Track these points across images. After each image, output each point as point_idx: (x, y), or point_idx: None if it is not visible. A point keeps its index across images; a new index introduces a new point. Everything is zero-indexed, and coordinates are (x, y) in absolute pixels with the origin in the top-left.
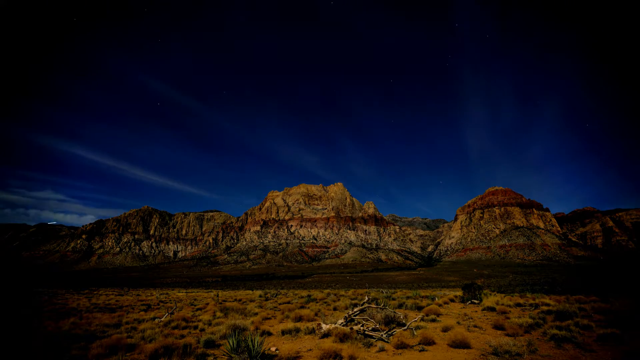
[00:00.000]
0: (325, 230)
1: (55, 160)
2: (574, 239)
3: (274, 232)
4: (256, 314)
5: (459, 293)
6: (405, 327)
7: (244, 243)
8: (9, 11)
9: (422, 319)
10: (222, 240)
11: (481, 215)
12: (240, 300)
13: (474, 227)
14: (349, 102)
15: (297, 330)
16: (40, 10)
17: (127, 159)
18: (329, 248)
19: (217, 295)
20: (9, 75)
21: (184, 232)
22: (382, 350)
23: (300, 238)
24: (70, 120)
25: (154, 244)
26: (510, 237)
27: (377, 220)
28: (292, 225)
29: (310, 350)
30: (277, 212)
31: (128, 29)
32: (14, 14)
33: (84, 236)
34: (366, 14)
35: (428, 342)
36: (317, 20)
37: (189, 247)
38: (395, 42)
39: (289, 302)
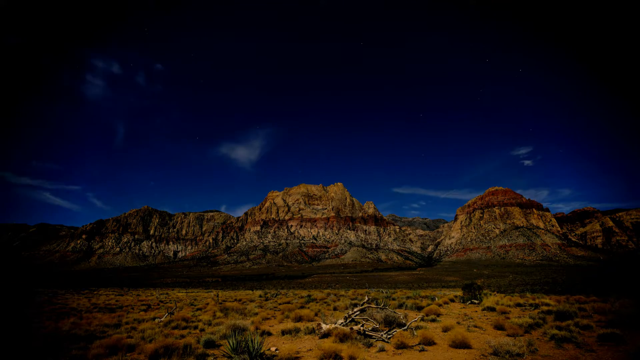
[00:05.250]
0: (325, 230)
1: (55, 160)
2: (574, 239)
3: (274, 232)
4: (256, 314)
5: (459, 293)
6: (405, 327)
7: (244, 243)
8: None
9: (422, 319)
10: (222, 240)
11: (481, 215)
12: (240, 300)
13: (474, 227)
14: (350, 102)
15: (297, 330)
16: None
17: (127, 158)
18: (329, 248)
19: (217, 295)
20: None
21: (184, 232)
22: (382, 350)
23: (300, 238)
24: (68, 120)
25: (154, 244)
26: (510, 237)
27: (377, 220)
28: (292, 225)
29: (310, 350)
30: (277, 212)
31: (125, 27)
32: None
33: (84, 236)
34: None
35: (428, 342)
36: (318, 16)
37: (189, 247)
38: (392, 46)
39: (289, 302)
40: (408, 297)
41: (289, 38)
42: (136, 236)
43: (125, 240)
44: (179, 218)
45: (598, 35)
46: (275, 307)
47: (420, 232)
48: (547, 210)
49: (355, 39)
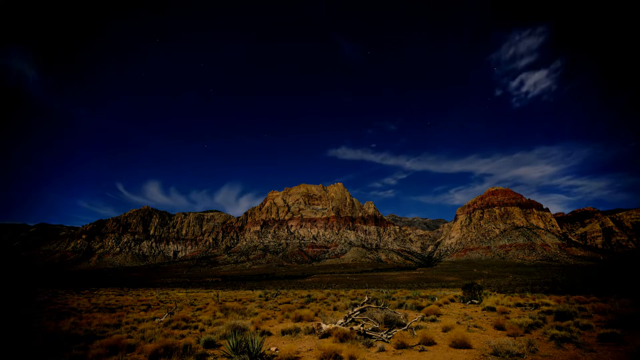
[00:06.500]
0: (325, 230)
1: (55, 160)
2: (574, 239)
3: (274, 232)
4: (256, 314)
5: (459, 293)
6: (405, 327)
7: (244, 243)
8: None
9: (422, 319)
10: (222, 240)
11: (481, 215)
12: (240, 300)
13: (474, 227)
14: (349, 102)
15: (297, 330)
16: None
17: (126, 158)
18: (329, 248)
19: (217, 295)
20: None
21: (184, 232)
22: (382, 350)
23: (300, 238)
24: (69, 118)
25: (154, 244)
26: (510, 237)
27: (377, 220)
28: (292, 225)
29: (310, 350)
30: (277, 212)
31: (131, 27)
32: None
33: (84, 236)
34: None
35: (428, 342)
36: (318, 27)
37: (189, 247)
38: (393, 44)
39: (289, 302)
40: (408, 297)
41: (291, 42)
42: (136, 236)
43: (125, 240)
44: (179, 218)
45: (608, 34)
46: (275, 307)
47: (420, 232)
48: (547, 210)
49: (360, 45)
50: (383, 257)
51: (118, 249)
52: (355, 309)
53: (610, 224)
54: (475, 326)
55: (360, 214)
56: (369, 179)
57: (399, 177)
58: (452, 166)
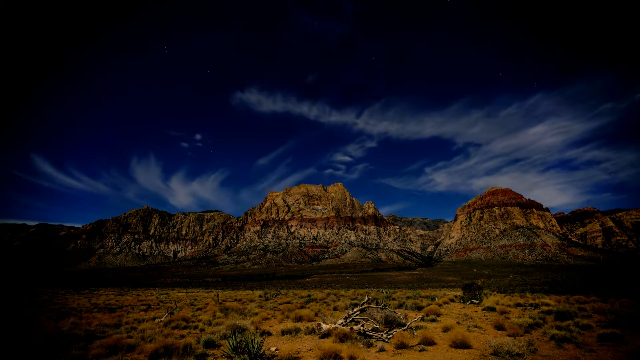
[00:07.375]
0: (325, 230)
1: (55, 159)
2: (574, 239)
3: (274, 232)
4: (256, 314)
5: (459, 293)
6: (405, 327)
7: (244, 243)
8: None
9: (422, 319)
10: (222, 240)
11: (481, 215)
12: (240, 300)
13: (474, 227)
14: (348, 101)
15: (297, 330)
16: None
17: (126, 158)
18: (329, 248)
19: (217, 295)
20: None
21: (184, 232)
22: (382, 350)
23: (300, 238)
24: (68, 119)
25: (154, 244)
26: (510, 237)
27: (377, 220)
28: (292, 225)
29: (310, 350)
30: (277, 212)
31: (123, 29)
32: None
33: (84, 236)
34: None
35: (428, 342)
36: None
37: (189, 247)
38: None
39: (289, 302)
40: (408, 297)
41: (286, 37)
42: (136, 236)
43: (125, 240)
44: (179, 218)
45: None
46: (275, 307)
47: (420, 232)
48: (547, 210)
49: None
50: (383, 257)
51: (118, 249)
52: (355, 309)
53: (610, 224)
54: (475, 326)
55: (360, 214)
56: (308, 149)
57: (367, 146)
58: (423, 126)
